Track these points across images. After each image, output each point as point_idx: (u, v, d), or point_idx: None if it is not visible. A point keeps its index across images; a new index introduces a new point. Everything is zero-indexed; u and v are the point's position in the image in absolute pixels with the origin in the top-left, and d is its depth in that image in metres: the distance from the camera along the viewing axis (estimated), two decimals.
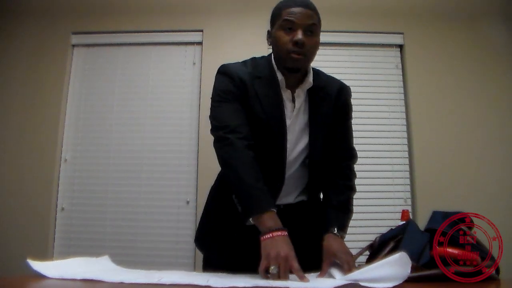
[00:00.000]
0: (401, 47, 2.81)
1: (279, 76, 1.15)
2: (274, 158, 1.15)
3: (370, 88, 2.73)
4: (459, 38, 2.76)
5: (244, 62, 1.21)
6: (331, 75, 1.28)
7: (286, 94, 1.17)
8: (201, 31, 2.76)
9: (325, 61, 2.70)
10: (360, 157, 2.82)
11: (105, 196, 2.61)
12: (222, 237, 1.21)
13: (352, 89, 2.90)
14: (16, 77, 2.70)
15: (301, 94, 1.17)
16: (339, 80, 1.26)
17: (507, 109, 2.66)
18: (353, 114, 2.69)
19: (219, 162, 1.09)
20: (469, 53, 2.74)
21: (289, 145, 1.16)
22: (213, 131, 1.11)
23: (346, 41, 2.79)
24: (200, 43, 2.76)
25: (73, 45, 2.80)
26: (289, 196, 1.21)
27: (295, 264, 0.88)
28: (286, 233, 0.94)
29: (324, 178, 1.23)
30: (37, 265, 0.83)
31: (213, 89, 1.16)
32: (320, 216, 1.16)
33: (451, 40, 2.76)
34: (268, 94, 1.14)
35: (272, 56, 1.20)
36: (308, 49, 1.09)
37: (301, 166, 1.19)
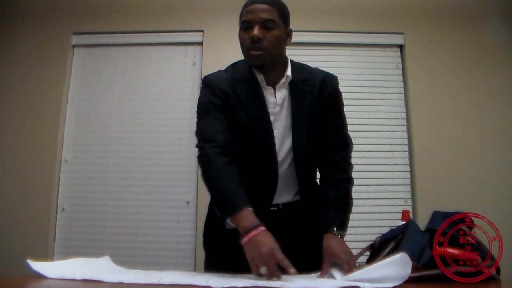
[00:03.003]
0: (401, 47, 2.80)
1: (258, 75, 1.17)
2: (265, 158, 1.16)
3: (370, 88, 2.73)
4: (459, 38, 2.76)
5: (226, 68, 1.24)
6: (317, 67, 1.27)
7: (268, 91, 1.18)
8: (202, 31, 2.76)
9: (325, 61, 2.70)
10: (360, 157, 2.83)
11: (105, 196, 2.60)
12: (225, 237, 1.21)
13: (352, 89, 2.90)
14: (17, 77, 2.70)
15: (282, 89, 1.18)
16: (324, 71, 1.25)
17: (507, 109, 2.66)
18: (353, 114, 2.68)
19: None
20: (469, 53, 2.74)
21: (277, 142, 1.17)
22: (196, 144, 1.15)
23: (346, 41, 2.79)
24: (200, 44, 2.76)
25: (74, 46, 2.80)
26: (286, 195, 1.20)
27: (280, 256, 0.88)
28: (262, 228, 0.94)
29: (319, 173, 1.23)
30: (37, 266, 0.83)
31: (197, 103, 1.21)
32: (319, 214, 1.14)
33: (452, 40, 2.76)
34: (249, 95, 1.17)
35: None
36: (267, 44, 1.10)
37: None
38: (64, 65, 2.72)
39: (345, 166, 1.20)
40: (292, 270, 0.86)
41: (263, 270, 0.87)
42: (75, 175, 2.64)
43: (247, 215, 0.97)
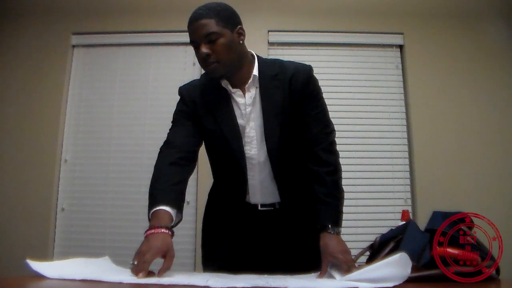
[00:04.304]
0: (401, 47, 2.80)
1: (222, 80, 1.17)
2: (234, 159, 1.16)
3: (370, 88, 2.72)
4: (459, 38, 2.76)
5: (201, 76, 1.27)
6: (292, 60, 1.24)
7: (236, 94, 1.18)
8: None
9: (325, 61, 2.69)
10: (360, 157, 2.82)
11: (105, 196, 2.61)
12: (220, 249, 1.22)
13: (352, 89, 2.88)
14: (17, 77, 2.70)
15: (251, 89, 1.18)
16: (296, 63, 1.23)
17: (508, 109, 2.66)
18: (353, 114, 2.67)
19: None
20: (469, 53, 2.74)
21: (255, 143, 1.17)
22: None
23: (346, 41, 2.78)
24: None
25: (73, 46, 2.80)
26: (277, 194, 1.20)
27: (146, 257, 0.88)
28: (162, 230, 0.94)
29: (306, 169, 1.19)
30: (37, 266, 0.83)
31: None
32: (311, 212, 1.13)
33: (451, 40, 2.76)
34: (217, 101, 1.18)
35: None
36: (217, 56, 1.09)
37: None
38: (64, 65, 2.72)
39: (329, 158, 1.15)
40: (140, 275, 0.86)
41: (131, 263, 0.89)
42: (75, 175, 2.64)
43: (159, 215, 0.99)
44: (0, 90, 2.69)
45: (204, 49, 1.08)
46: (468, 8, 2.79)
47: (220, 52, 1.09)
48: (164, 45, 2.81)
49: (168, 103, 2.70)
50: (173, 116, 1.24)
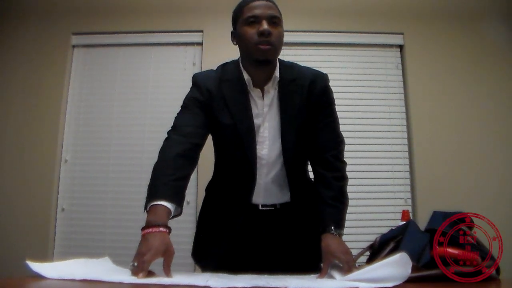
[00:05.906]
0: (401, 47, 2.80)
1: (246, 76, 1.17)
2: (244, 160, 1.16)
3: (370, 88, 2.72)
4: (459, 38, 2.76)
5: (216, 68, 1.24)
6: (308, 66, 1.26)
7: (255, 93, 1.17)
8: (201, 31, 2.76)
9: (325, 61, 2.70)
10: (360, 157, 2.82)
11: (105, 196, 2.60)
12: (217, 247, 1.21)
13: (352, 89, 2.88)
14: (17, 77, 2.70)
15: (270, 90, 1.18)
16: (313, 70, 1.24)
17: (508, 109, 2.66)
18: (353, 114, 2.67)
19: None
20: (469, 53, 2.74)
21: (268, 143, 1.16)
22: None
23: (346, 42, 2.79)
24: (200, 44, 2.76)
25: (73, 46, 2.80)
26: (281, 195, 1.20)
27: (146, 258, 0.87)
28: (159, 229, 0.93)
29: (313, 172, 1.22)
30: (37, 267, 0.83)
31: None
32: (315, 214, 1.13)
33: (452, 40, 2.76)
34: (235, 96, 1.17)
35: (240, 58, 1.21)
36: (274, 39, 1.10)
37: None
38: (64, 65, 2.72)
39: (338, 164, 1.18)
40: (140, 275, 0.85)
41: (131, 265, 0.88)
42: (75, 175, 2.64)
43: (157, 211, 0.97)
44: (0, 90, 2.69)
45: (267, 26, 1.08)
46: (468, 8, 2.79)
47: (277, 37, 1.11)
48: (164, 45, 2.81)
49: (168, 103, 2.72)
50: (184, 101, 1.19)
